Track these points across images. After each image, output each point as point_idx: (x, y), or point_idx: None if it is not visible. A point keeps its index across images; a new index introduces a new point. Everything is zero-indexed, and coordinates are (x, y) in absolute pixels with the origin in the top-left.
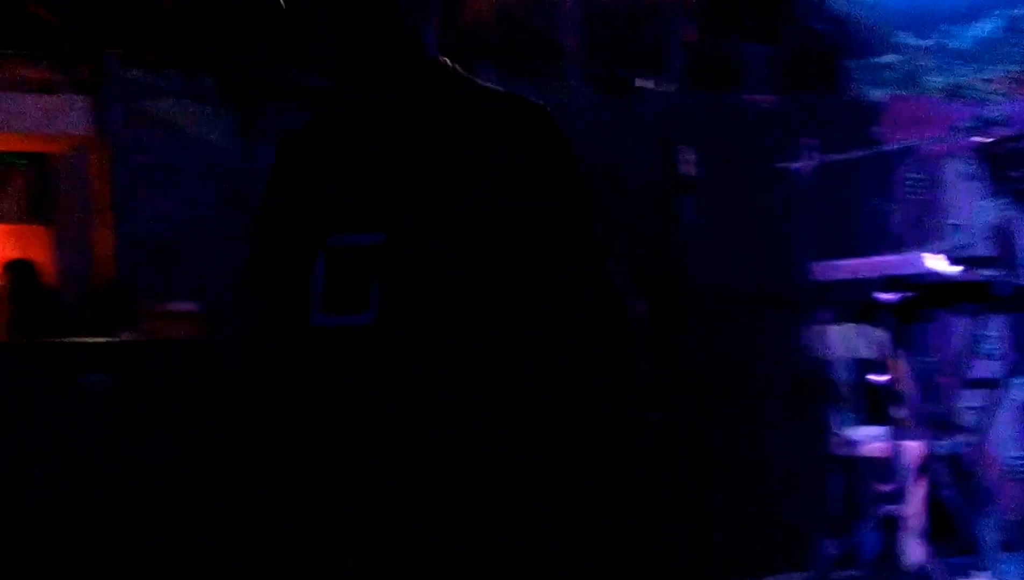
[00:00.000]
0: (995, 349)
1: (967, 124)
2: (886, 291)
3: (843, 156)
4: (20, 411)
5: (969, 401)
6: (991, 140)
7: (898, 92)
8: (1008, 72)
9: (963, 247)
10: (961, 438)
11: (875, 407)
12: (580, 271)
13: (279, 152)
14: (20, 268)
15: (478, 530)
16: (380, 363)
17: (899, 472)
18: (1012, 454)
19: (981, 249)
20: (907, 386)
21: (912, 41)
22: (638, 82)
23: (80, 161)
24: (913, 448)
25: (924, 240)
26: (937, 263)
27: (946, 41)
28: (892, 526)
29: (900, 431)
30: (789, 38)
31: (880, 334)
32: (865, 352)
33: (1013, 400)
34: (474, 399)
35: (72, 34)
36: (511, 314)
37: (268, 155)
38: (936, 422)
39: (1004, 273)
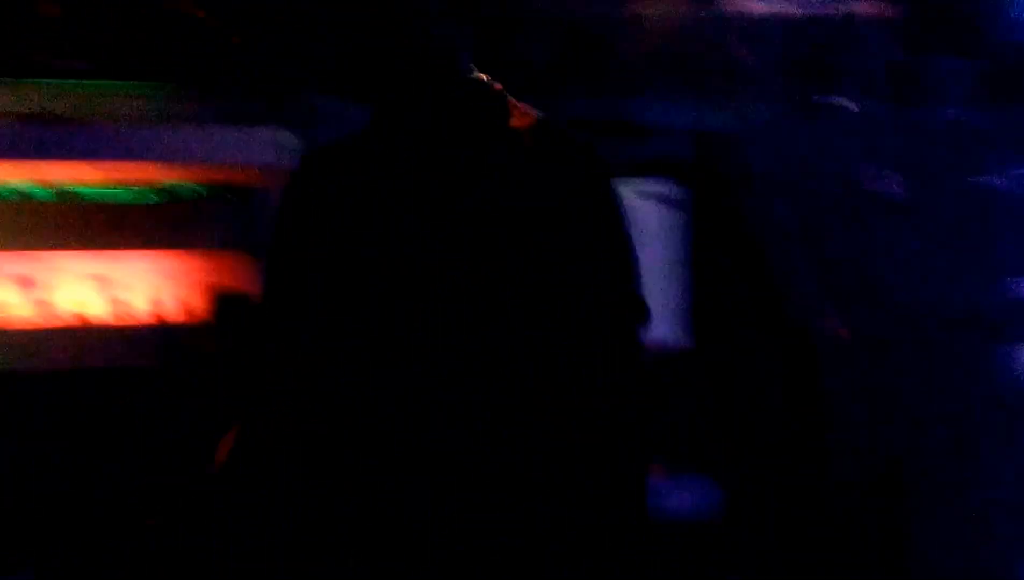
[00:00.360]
0: None
1: None
2: None
3: None
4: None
5: None
6: None
7: None
8: None
9: None
10: None
11: None
12: (580, 271)
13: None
14: (227, 298)
15: (478, 530)
16: (381, 363)
17: None
18: None
19: None
20: None
21: None
22: (833, 100)
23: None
24: None
25: None
26: None
27: None
28: None
29: None
30: (988, 51)
31: None
32: None
33: None
34: (474, 399)
35: (273, 67)
36: (511, 314)
37: None
38: None
39: None
